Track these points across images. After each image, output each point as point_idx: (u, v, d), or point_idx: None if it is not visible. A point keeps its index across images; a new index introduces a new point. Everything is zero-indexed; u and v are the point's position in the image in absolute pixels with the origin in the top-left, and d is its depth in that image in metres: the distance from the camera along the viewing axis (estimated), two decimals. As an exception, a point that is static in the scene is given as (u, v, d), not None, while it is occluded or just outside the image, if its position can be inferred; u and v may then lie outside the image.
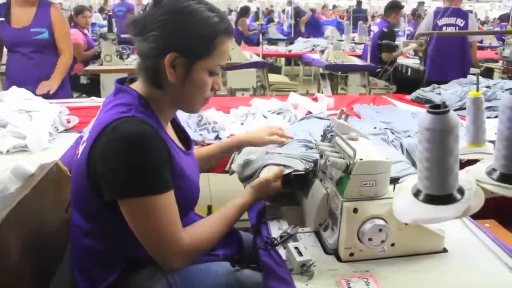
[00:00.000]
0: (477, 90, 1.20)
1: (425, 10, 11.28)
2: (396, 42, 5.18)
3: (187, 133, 1.35)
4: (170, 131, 1.24)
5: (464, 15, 4.29)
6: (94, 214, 1.12)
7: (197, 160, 1.36)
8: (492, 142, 1.18)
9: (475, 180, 0.92)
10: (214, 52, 1.12)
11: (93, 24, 7.46)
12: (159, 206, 1.04)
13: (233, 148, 1.58)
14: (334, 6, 16.16)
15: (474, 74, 3.40)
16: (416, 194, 0.93)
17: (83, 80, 4.72)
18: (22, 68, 2.85)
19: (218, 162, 1.71)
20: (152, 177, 1.03)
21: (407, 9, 11.75)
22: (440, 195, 0.89)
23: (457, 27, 4.17)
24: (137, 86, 1.16)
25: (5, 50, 3.02)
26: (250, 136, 1.59)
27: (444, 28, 4.19)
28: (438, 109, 0.85)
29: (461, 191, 0.90)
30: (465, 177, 0.93)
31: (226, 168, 1.63)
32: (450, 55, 4.20)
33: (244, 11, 9.29)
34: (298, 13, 10.34)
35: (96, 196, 1.07)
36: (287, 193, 1.41)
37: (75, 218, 1.19)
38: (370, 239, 1.03)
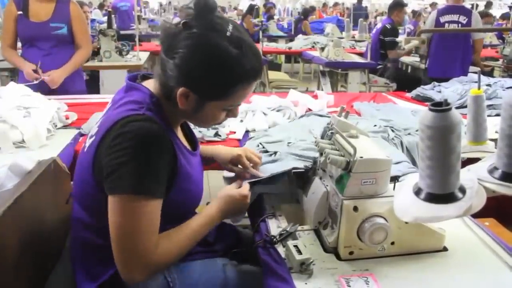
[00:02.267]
0: (479, 88, 1.19)
1: (426, 8, 11.28)
2: (398, 40, 5.17)
3: (194, 133, 1.34)
4: (178, 131, 1.23)
5: (467, 12, 4.28)
6: (96, 208, 1.12)
7: None
8: (493, 140, 1.18)
9: (476, 179, 0.91)
10: (231, 97, 1.09)
11: (93, 20, 7.45)
12: (144, 210, 1.02)
13: (204, 159, 1.43)
14: (336, 4, 16.11)
15: (475, 72, 3.39)
16: (417, 192, 0.92)
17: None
18: (39, 63, 2.82)
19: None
20: (149, 179, 1.02)
21: (408, 8, 11.73)
22: (441, 193, 0.88)
23: (460, 24, 4.16)
24: (151, 84, 1.14)
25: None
26: (217, 152, 1.47)
27: (446, 25, 4.18)
28: (440, 106, 0.85)
29: (462, 189, 0.89)
30: (466, 176, 0.92)
31: None
32: (452, 53, 4.19)
33: (250, 9, 9.31)
34: (306, 12, 10.26)
35: (99, 191, 1.06)
36: (287, 191, 1.40)
37: (76, 211, 1.19)
38: (370, 238, 1.02)
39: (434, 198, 0.89)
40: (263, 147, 1.61)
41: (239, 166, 1.42)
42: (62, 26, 2.83)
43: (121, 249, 1.03)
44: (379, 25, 5.57)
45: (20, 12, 2.76)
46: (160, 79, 1.10)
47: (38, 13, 2.79)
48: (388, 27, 5.17)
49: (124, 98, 1.11)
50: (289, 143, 1.65)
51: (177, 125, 1.21)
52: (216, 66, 1.03)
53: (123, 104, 1.09)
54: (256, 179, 1.35)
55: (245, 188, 1.28)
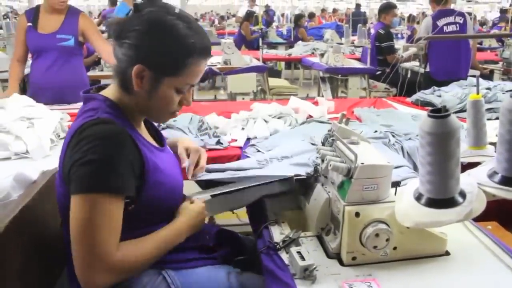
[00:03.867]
0: (477, 92, 1.20)
1: (423, 12, 11.31)
2: (397, 46, 5.20)
3: (160, 131, 1.36)
4: (142, 130, 1.24)
5: (461, 13, 4.38)
6: None
7: None
8: (493, 144, 1.19)
9: (476, 183, 0.92)
10: (184, 72, 1.12)
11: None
12: (103, 208, 1.01)
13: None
14: (334, 10, 16.19)
15: (474, 76, 3.41)
16: (418, 198, 0.93)
17: (84, 86, 4.73)
18: (44, 74, 2.85)
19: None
20: (107, 177, 1.03)
21: (406, 13, 11.77)
22: (441, 198, 0.89)
23: (457, 25, 4.23)
24: (107, 90, 1.18)
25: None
26: (180, 139, 1.51)
27: (445, 27, 4.23)
28: (439, 113, 0.86)
29: (462, 194, 0.90)
30: (466, 181, 0.93)
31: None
32: (456, 53, 4.23)
33: (248, 16, 9.31)
34: (300, 17, 10.24)
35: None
36: (289, 197, 1.41)
37: (64, 227, 1.19)
38: (372, 243, 1.03)
39: (434, 203, 0.90)
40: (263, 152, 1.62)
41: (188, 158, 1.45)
42: (69, 38, 2.85)
43: (80, 248, 1.01)
44: (372, 31, 5.60)
45: (30, 24, 2.80)
46: (116, 69, 1.14)
47: (46, 25, 2.82)
48: (382, 32, 5.18)
49: (82, 109, 1.15)
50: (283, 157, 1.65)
51: (138, 123, 1.22)
52: (167, 38, 1.09)
53: (80, 115, 1.13)
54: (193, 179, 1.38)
55: (199, 201, 1.28)
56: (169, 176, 1.20)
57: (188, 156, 1.44)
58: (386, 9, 5.41)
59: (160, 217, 1.18)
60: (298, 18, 10.04)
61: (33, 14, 2.82)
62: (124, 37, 1.10)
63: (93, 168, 1.02)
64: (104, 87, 1.22)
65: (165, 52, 1.09)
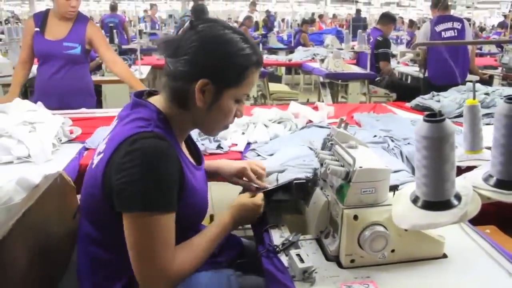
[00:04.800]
0: (474, 98, 1.22)
1: (412, 21, 11.38)
2: (394, 52, 5.22)
3: (199, 148, 1.37)
4: (183, 146, 1.26)
5: (459, 19, 4.44)
6: (104, 223, 1.14)
7: None
8: (490, 148, 1.21)
9: (472, 186, 0.94)
10: (244, 82, 1.15)
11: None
12: (159, 225, 1.05)
13: (208, 174, 1.44)
14: (335, 16, 16.23)
15: (471, 81, 3.43)
16: (414, 200, 0.95)
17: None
18: (47, 80, 2.85)
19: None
20: (160, 195, 1.05)
21: (405, 18, 11.82)
22: (437, 201, 0.91)
23: (455, 30, 4.28)
24: (157, 100, 1.18)
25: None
26: (221, 166, 1.49)
27: (443, 33, 4.28)
28: (434, 117, 0.88)
29: (458, 197, 0.91)
30: (462, 184, 0.95)
31: None
32: (454, 59, 4.26)
33: (244, 20, 9.35)
34: (305, 23, 10.25)
35: (108, 206, 1.09)
36: (289, 202, 1.43)
37: (83, 226, 1.21)
38: (370, 246, 1.05)
39: (430, 205, 0.91)
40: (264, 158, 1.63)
41: (244, 178, 1.45)
42: (76, 46, 2.84)
43: (141, 265, 1.06)
44: (371, 37, 5.64)
45: (37, 29, 2.79)
46: (169, 85, 1.15)
47: (54, 32, 2.82)
48: (380, 40, 5.21)
49: (131, 114, 1.14)
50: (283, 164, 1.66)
51: (182, 139, 1.24)
52: (228, 52, 1.12)
53: (131, 121, 1.11)
54: (271, 187, 1.38)
55: (259, 197, 1.31)
56: (201, 195, 1.21)
57: (241, 178, 1.45)
58: (388, 19, 5.45)
59: (179, 233, 1.17)
60: (303, 23, 10.07)
61: (41, 18, 2.82)
62: (182, 54, 1.11)
63: (148, 187, 1.03)
64: (153, 92, 1.23)
65: (227, 65, 1.12)
